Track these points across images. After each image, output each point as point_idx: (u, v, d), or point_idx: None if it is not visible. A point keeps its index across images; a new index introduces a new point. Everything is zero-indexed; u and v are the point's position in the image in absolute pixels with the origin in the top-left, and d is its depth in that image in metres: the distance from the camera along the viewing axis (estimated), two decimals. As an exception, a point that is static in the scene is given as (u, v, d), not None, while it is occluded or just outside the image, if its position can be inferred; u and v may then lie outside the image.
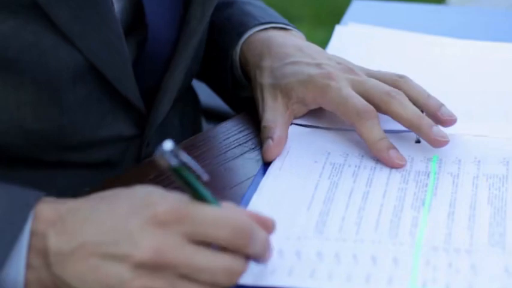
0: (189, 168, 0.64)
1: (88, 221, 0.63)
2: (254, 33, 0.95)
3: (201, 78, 1.03)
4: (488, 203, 0.77)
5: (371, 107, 0.84)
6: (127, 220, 0.62)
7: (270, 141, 0.85)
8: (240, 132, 0.91)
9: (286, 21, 0.98)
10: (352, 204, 0.77)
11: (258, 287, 0.67)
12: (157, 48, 0.85)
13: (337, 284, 0.68)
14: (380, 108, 0.85)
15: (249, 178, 0.83)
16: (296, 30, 0.97)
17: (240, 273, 0.64)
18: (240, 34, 0.95)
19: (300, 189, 0.80)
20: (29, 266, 0.63)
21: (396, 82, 0.88)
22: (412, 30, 1.12)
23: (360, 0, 1.23)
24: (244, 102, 0.96)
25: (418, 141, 0.87)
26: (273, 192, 0.79)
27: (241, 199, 0.79)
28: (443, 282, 0.68)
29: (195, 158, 0.86)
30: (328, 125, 0.89)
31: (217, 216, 0.63)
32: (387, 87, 0.86)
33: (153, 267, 0.61)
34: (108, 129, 0.85)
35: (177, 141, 0.92)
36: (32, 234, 0.63)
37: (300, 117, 0.90)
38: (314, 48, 0.92)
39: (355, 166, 0.83)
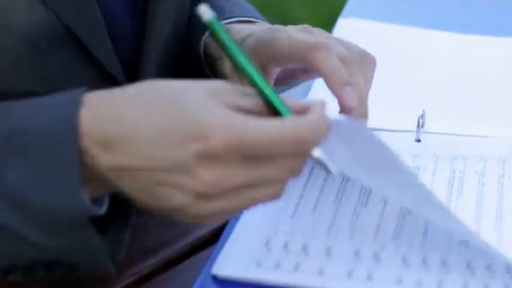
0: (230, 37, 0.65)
1: (138, 144, 0.63)
2: None
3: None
4: None
5: (323, 39, 0.78)
6: (181, 150, 0.62)
7: None
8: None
9: (256, 14, 0.95)
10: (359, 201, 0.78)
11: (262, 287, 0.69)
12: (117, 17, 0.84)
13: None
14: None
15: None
16: (264, 22, 0.94)
17: (301, 170, 0.63)
18: (203, 31, 0.93)
19: (297, 188, 0.79)
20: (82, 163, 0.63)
21: (361, 56, 0.80)
22: (410, 25, 1.12)
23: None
24: None
25: (418, 140, 0.87)
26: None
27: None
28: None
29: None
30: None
31: (272, 137, 0.61)
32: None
33: (214, 195, 0.62)
34: None
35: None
36: (82, 151, 0.63)
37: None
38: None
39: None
